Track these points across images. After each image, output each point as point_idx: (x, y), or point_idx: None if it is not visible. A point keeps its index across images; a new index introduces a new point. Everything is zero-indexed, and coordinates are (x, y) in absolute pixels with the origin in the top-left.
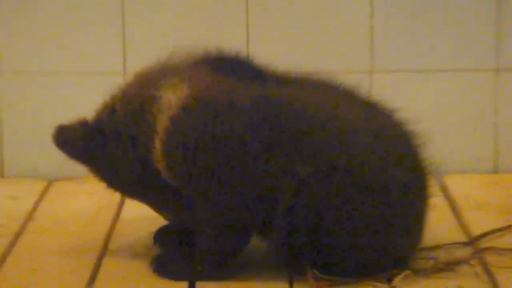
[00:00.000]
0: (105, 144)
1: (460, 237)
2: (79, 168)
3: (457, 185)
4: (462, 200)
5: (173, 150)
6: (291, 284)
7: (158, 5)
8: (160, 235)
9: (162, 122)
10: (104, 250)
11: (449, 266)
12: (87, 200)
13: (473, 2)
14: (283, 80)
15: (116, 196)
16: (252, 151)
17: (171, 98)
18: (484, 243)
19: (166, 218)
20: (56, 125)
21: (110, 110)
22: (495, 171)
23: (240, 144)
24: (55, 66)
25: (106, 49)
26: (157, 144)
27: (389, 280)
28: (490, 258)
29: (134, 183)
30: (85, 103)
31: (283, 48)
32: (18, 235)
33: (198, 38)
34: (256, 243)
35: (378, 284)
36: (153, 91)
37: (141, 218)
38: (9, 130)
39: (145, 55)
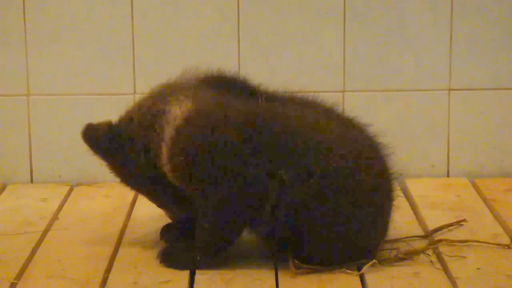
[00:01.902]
0: (122, 146)
1: (418, 231)
2: (97, 175)
3: (416, 187)
4: (420, 199)
5: (177, 155)
6: (276, 271)
7: (162, 36)
8: (166, 232)
9: (169, 131)
10: (118, 244)
11: (409, 256)
12: (104, 202)
13: (429, 32)
14: (272, 97)
15: (128, 198)
16: (243, 157)
17: (177, 111)
18: (438, 236)
19: (168, 215)
20: (86, 123)
21: (128, 119)
22: (447, 175)
23: (232, 151)
24: (75, 88)
25: (118, 74)
26: (164, 150)
27: (358, 268)
28: (443, 248)
29: (143, 181)
30: (101, 119)
31: (269, 71)
32: (46, 231)
33: (197, 62)
34: (247, 237)
35: (349, 271)
36: (163, 106)
37: (150, 217)
38: (37, 142)
39: (151, 78)
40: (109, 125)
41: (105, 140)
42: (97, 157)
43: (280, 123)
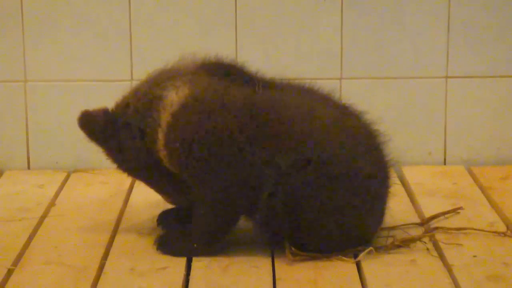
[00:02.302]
0: (118, 132)
1: (414, 218)
2: (94, 161)
3: (412, 174)
4: (417, 187)
5: (173, 141)
6: (272, 258)
7: (160, 22)
8: (163, 218)
9: (165, 117)
10: (115, 231)
11: (405, 243)
12: (101, 188)
13: (426, 20)
14: (269, 84)
15: (125, 185)
16: (239, 144)
17: (173, 97)
18: (434, 224)
19: (167, 200)
20: (82, 110)
21: (124, 104)
22: (444, 163)
23: (229, 138)
24: (72, 75)
25: (115, 60)
26: (160, 136)
27: (355, 256)
28: (439, 236)
29: (139, 167)
30: (98, 106)
31: (266, 58)
32: (43, 217)
33: (194, 49)
34: (244, 224)
35: (345, 258)
36: (160, 91)
37: (147, 204)
38: (34, 128)
39: (149, 64)
40: (105, 111)
41: (101, 127)
42: (93, 144)
43: (277, 110)
